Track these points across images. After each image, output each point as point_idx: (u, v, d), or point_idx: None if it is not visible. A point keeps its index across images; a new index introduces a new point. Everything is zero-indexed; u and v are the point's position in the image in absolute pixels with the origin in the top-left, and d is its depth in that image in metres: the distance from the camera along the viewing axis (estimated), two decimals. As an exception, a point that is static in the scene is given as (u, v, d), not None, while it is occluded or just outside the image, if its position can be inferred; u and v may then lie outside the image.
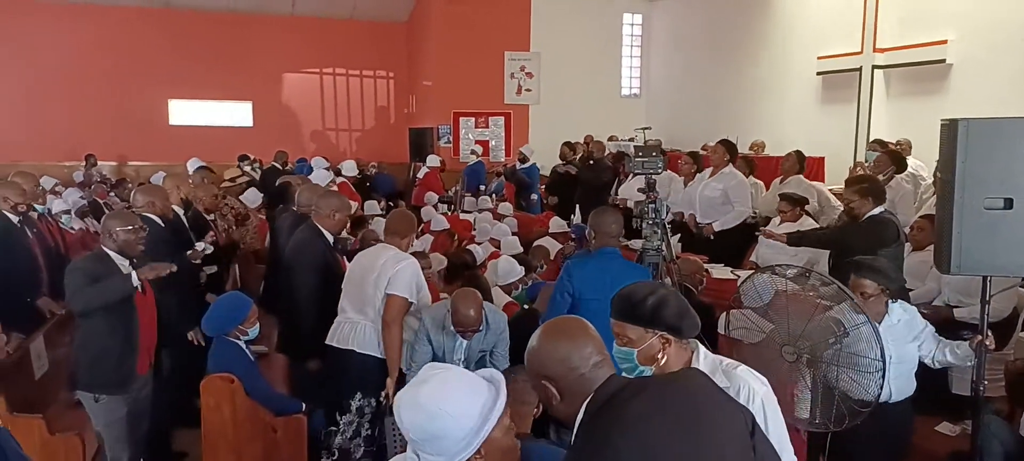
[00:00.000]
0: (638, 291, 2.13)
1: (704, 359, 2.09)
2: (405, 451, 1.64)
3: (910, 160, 7.72)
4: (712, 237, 6.67)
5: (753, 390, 1.97)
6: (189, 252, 4.79)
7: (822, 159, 9.05)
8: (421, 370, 1.60)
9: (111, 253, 3.77)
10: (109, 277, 3.66)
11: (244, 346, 3.95)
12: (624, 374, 2.10)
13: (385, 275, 3.97)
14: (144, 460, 4.02)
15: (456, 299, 3.77)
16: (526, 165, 11.39)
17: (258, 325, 4.04)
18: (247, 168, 11.82)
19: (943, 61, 8.58)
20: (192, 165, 9.34)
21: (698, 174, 7.29)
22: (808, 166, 7.95)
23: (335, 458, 3.97)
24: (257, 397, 3.84)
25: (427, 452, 1.52)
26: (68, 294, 3.72)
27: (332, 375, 4.19)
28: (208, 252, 4.91)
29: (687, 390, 1.57)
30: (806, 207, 6.17)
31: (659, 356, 2.05)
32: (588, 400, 1.56)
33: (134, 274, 3.70)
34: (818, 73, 10.47)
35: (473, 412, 1.51)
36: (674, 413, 1.49)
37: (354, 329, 4.08)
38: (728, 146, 6.90)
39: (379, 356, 4.03)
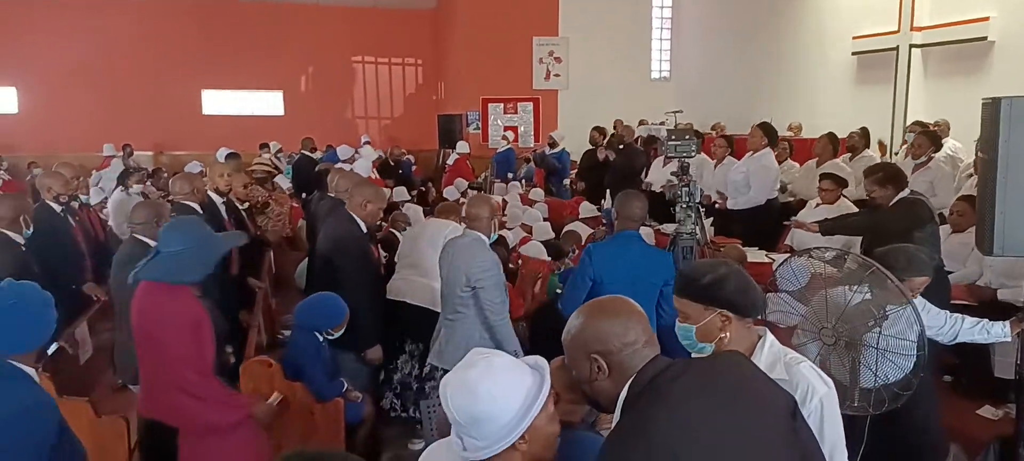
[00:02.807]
0: (698, 269, 2.15)
1: (769, 348, 2.06)
2: (438, 435, 1.65)
3: (948, 141, 7.55)
4: (724, 208, 6.74)
5: (813, 389, 1.92)
6: None
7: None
8: (468, 354, 1.61)
9: (151, 242, 3.63)
10: None
11: (321, 340, 3.94)
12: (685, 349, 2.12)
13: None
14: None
15: (473, 203, 4.01)
16: (556, 150, 11.35)
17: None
18: (268, 156, 11.95)
19: (984, 39, 8.34)
20: (221, 155, 9.51)
21: (730, 157, 7.24)
22: (843, 148, 7.80)
23: (398, 391, 4.63)
24: (322, 391, 3.85)
25: (471, 436, 1.52)
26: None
27: (390, 323, 4.49)
28: None
29: (728, 370, 1.59)
30: (844, 190, 6.05)
31: (721, 334, 2.04)
32: (631, 380, 1.57)
33: None
34: (854, 53, 10.25)
35: (519, 396, 1.52)
36: (715, 391, 1.50)
37: (410, 285, 4.50)
38: (766, 129, 6.79)
39: (430, 308, 4.35)
